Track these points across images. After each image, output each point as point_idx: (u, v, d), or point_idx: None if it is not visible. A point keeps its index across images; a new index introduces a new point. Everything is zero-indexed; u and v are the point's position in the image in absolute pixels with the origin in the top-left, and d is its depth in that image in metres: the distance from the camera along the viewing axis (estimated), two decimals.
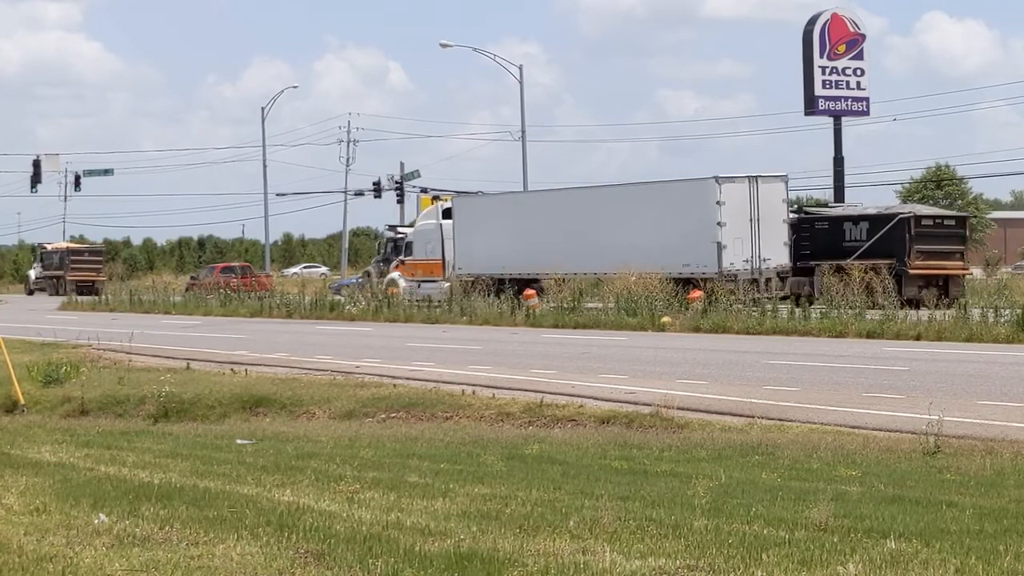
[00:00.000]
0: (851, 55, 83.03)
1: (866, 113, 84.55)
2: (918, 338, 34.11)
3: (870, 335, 35.20)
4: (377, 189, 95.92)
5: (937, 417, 14.55)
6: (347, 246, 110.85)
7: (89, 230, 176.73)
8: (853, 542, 8.67)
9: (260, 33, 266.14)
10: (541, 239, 51.15)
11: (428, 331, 42.50)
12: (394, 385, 24.39)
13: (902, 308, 38.26)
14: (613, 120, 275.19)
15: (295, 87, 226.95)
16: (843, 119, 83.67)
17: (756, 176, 47.46)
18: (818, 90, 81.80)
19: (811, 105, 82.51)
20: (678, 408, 18.86)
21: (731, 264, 45.40)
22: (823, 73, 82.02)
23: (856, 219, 48.24)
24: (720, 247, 45.37)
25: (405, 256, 59.04)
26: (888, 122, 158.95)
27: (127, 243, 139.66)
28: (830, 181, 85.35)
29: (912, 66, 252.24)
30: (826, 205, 70.19)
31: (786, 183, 48.39)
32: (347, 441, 16.68)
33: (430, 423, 20.63)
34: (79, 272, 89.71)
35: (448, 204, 57.77)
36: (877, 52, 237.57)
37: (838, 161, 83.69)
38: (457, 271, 54.49)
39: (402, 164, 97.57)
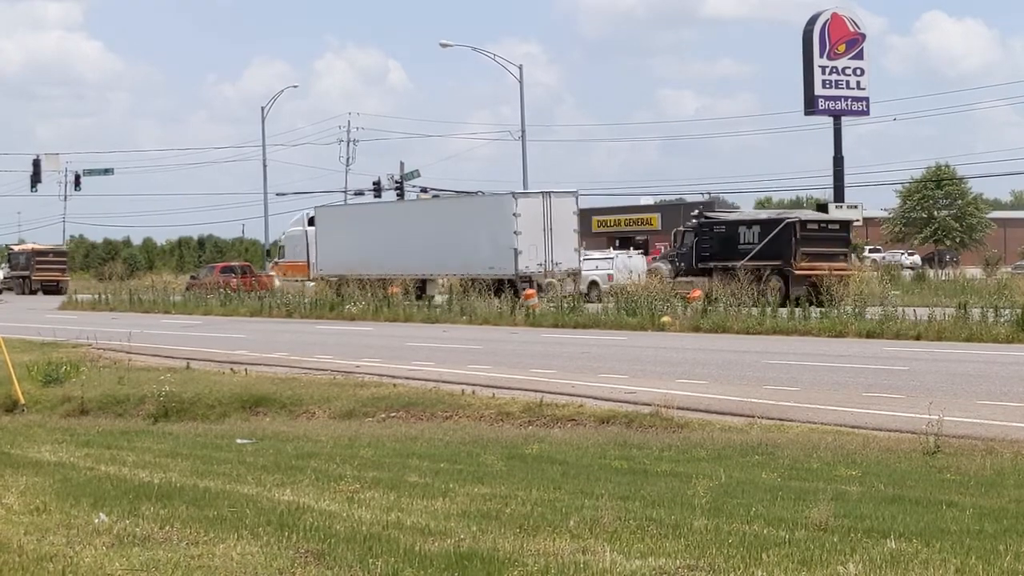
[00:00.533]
0: (851, 55, 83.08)
1: (866, 113, 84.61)
2: (918, 338, 34.11)
3: (870, 335, 35.20)
4: (377, 189, 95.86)
5: (937, 417, 14.55)
6: None
7: (89, 230, 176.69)
8: (853, 542, 8.67)
9: (260, 33, 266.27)
10: (381, 245, 58.09)
11: (428, 331, 42.49)
12: (394, 385, 24.39)
13: (783, 306, 41.00)
14: (613, 120, 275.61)
15: (295, 87, 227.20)
16: (843, 119, 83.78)
17: (549, 192, 54.02)
18: (818, 90, 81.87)
19: (811, 105, 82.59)
20: (678, 408, 18.86)
21: (526, 267, 51.91)
22: (823, 73, 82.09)
23: (749, 223, 52.25)
24: (516, 252, 51.62)
25: (279, 259, 69.08)
26: (888, 122, 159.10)
27: (127, 243, 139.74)
28: (830, 181, 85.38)
29: (912, 66, 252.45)
30: (735, 207, 75.99)
31: (576, 198, 54.94)
32: (347, 441, 16.68)
33: (430, 423, 20.63)
34: (44, 272, 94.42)
35: (312, 213, 65.83)
36: (877, 52, 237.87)
37: (838, 161, 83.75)
38: (319, 272, 62.20)
39: (402, 164, 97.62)
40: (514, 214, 52.12)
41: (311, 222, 65.25)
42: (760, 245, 50.18)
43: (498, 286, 49.65)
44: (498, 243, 52.51)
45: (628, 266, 58.44)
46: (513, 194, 53.84)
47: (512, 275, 51.44)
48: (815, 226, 51.29)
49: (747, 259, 49.16)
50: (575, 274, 53.39)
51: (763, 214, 55.35)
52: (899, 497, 10.81)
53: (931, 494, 10.98)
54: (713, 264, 50.99)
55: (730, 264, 48.56)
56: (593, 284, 57.74)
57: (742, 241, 51.06)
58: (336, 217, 64.50)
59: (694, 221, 54.41)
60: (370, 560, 8.21)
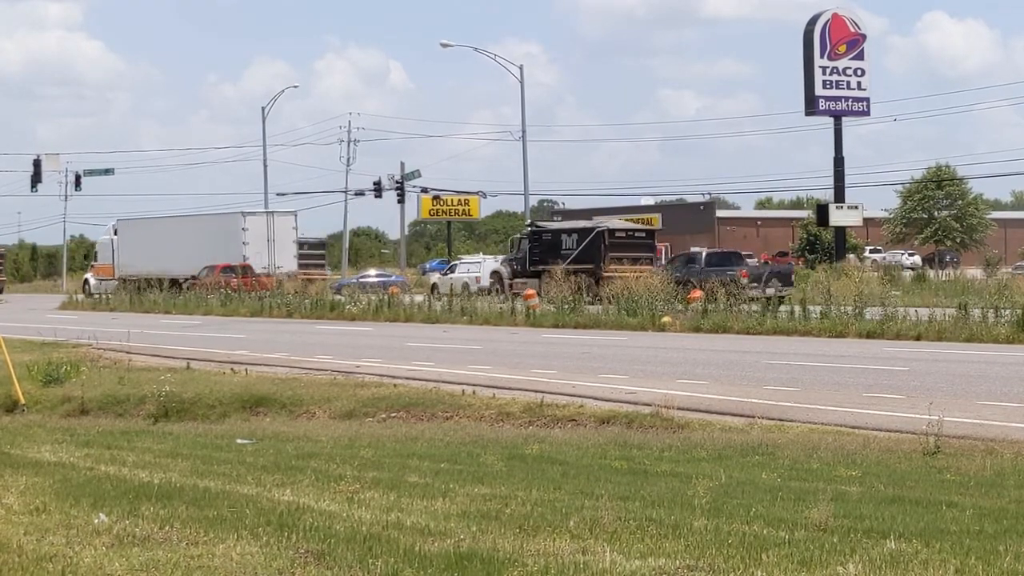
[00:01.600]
0: (851, 55, 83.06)
1: (866, 113, 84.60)
2: (918, 338, 34.11)
3: (870, 335, 35.20)
4: (378, 189, 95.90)
5: (937, 417, 14.55)
6: (348, 246, 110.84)
7: (89, 229, 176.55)
8: (853, 542, 8.67)
9: (261, 33, 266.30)
10: (159, 250, 72.60)
11: (428, 331, 42.49)
12: (394, 385, 24.38)
13: (591, 304, 46.46)
14: (614, 120, 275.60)
15: (295, 87, 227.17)
16: (844, 119, 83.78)
17: (272, 212, 73.15)
18: (819, 90, 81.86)
19: (811, 105, 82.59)
20: (678, 408, 18.85)
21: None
22: (824, 73, 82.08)
23: (569, 232, 59.39)
24: (244, 258, 68.16)
25: (94, 261, 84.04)
26: (889, 122, 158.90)
27: None
28: (831, 181, 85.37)
29: (913, 66, 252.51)
30: (566, 213, 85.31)
31: (295, 216, 71.98)
32: (347, 441, 16.68)
33: (430, 423, 20.62)
34: None
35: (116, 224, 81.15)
36: (878, 52, 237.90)
37: (838, 161, 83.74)
38: (120, 273, 76.04)
39: (402, 164, 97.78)
40: (243, 228, 68.80)
41: (116, 231, 79.99)
42: (577, 251, 57.02)
43: None
44: (232, 251, 68.45)
45: (497, 270, 65.98)
46: (243, 213, 70.79)
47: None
48: (623, 234, 58.52)
49: (567, 263, 55.01)
50: (293, 275, 66.51)
51: (580, 224, 63.18)
52: (899, 497, 10.81)
53: (931, 494, 10.97)
54: (542, 267, 56.81)
55: (554, 267, 53.08)
56: (465, 286, 64.24)
57: (564, 247, 57.83)
58: (132, 228, 78.89)
59: (528, 229, 62.69)
60: (370, 560, 8.21)
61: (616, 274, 51.36)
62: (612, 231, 57.77)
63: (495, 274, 65.47)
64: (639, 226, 65.53)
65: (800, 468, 13.12)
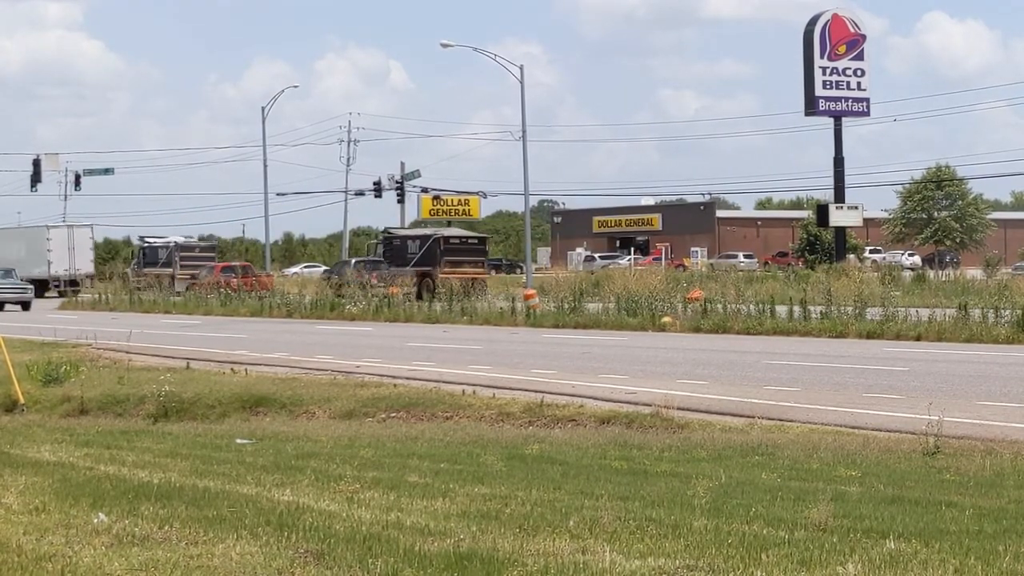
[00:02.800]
0: (851, 55, 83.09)
1: (866, 113, 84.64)
2: (918, 338, 34.11)
3: (870, 335, 35.20)
4: (378, 189, 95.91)
5: (937, 417, 14.54)
6: (348, 246, 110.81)
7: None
8: (852, 542, 8.66)
9: (261, 33, 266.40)
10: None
11: (428, 331, 42.50)
12: (394, 385, 24.38)
13: (419, 297, 56.50)
14: (614, 120, 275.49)
15: (295, 87, 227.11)
16: (843, 119, 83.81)
17: (72, 224, 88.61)
18: (818, 90, 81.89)
19: (811, 105, 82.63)
20: (678, 408, 18.84)
21: (55, 272, 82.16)
22: (823, 74, 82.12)
23: (414, 238, 68.16)
24: (49, 263, 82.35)
25: None
26: (889, 122, 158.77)
27: (127, 242, 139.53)
28: (831, 181, 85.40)
29: (913, 66, 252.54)
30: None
31: (92, 228, 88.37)
32: (347, 441, 16.68)
33: (430, 423, 20.61)
34: None
35: None
36: (878, 52, 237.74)
37: (838, 161, 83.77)
38: None
39: (403, 164, 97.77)
40: (47, 239, 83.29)
41: None
42: (419, 255, 65.56)
43: (42, 284, 78.35)
44: (41, 256, 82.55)
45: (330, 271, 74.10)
46: (47, 227, 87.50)
47: (46, 277, 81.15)
48: (457, 241, 66.87)
49: (411, 265, 64.48)
50: (91, 276, 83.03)
51: (422, 232, 71.69)
52: (899, 497, 10.80)
53: (930, 494, 10.97)
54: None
55: (402, 270, 62.76)
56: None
57: (409, 252, 66.53)
58: None
59: (383, 235, 73.15)
60: (369, 560, 8.21)
61: (451, 276, 59.96)
62: (447, 238, 66.46)
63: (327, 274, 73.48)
64: (472, 234, 72.49)
65: (800, 468, 13.11)
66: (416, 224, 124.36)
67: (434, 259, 64.40)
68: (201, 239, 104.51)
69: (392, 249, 68.15)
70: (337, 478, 12.05)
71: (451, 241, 66.10)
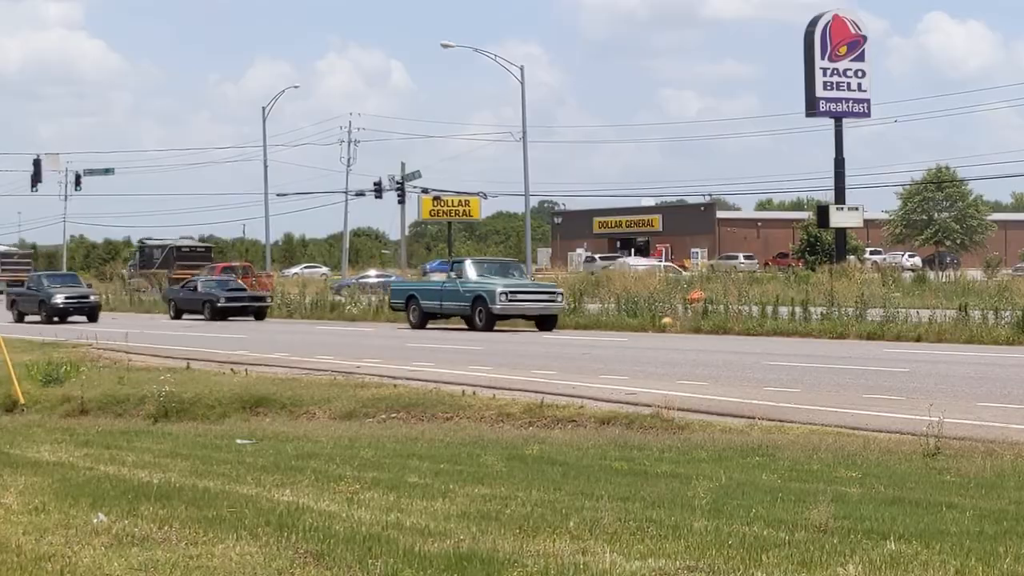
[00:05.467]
0: (852, 56, 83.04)
1: (867, 114, 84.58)
2: (918, 339, 34.13)
3: (870, 336, 35.23)
4: (378, 189, 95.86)
5: (937, 419, 14.52)
6: (348, 246, 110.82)
7: (89, 230, 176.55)
8: (853, 543, 8.65)
9: (262, 33, 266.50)
10: None
11: (427, 332, 42.49)
12: (394, 385, 24.36)
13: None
14: (615, 121, 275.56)
15: (296, 87, 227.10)
16: (844, 120, 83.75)
17: None
18: (819, 91, 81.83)
19: (812, 106, 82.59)
20: (678, 409, 18.82)
21: None
22: (824, 74, 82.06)
23: (158, 247, 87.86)
24: None
25: None
26: (889, 123, 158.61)
27: (127, 243, 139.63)
28: (831, 182, 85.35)
29: (914, 67, 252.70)
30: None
31: None
32: (347, 441, 16.66)
33: (430, 423, 20.59)
34: None
35: None
36: (879, 53, 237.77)
37: (839, 162, 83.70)
38: None
39: (403, 164, 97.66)
40: None
41: None
42: (160, 259, 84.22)
43: None
44: None
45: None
46: None
47: None
48: (187, 249, 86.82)
49: (155, 268, 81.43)
50: None
51: (163, 241, 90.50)
52: (899, 499, 10.78)
53: (931, 496, 10.95)
54: (144, 271, 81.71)
55: (152, 272, 79.61)
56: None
57: (154, 258, 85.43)
58: None
59: (138, 245, 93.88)
60: (369, 561, 8.20)
61: (181, 276, 70.26)
62: (179, 248, 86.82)
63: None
64: (199, 244, 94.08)
65: (800, 469, 13.10)
66: (415, 225, 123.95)
67: (169, 264, 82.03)
68: (201, 240, 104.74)
69: (144, 256, 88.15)
70: (337, 479, 12.04)
71: (182, 250, 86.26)
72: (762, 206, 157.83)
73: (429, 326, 44.18)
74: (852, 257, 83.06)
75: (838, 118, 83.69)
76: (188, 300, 55.57)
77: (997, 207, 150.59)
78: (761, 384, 22.81)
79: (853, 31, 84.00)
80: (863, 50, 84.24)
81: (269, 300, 56.98)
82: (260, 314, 53.92)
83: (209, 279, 59.90)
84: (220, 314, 52.79)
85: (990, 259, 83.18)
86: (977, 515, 9.90)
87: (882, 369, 25.72)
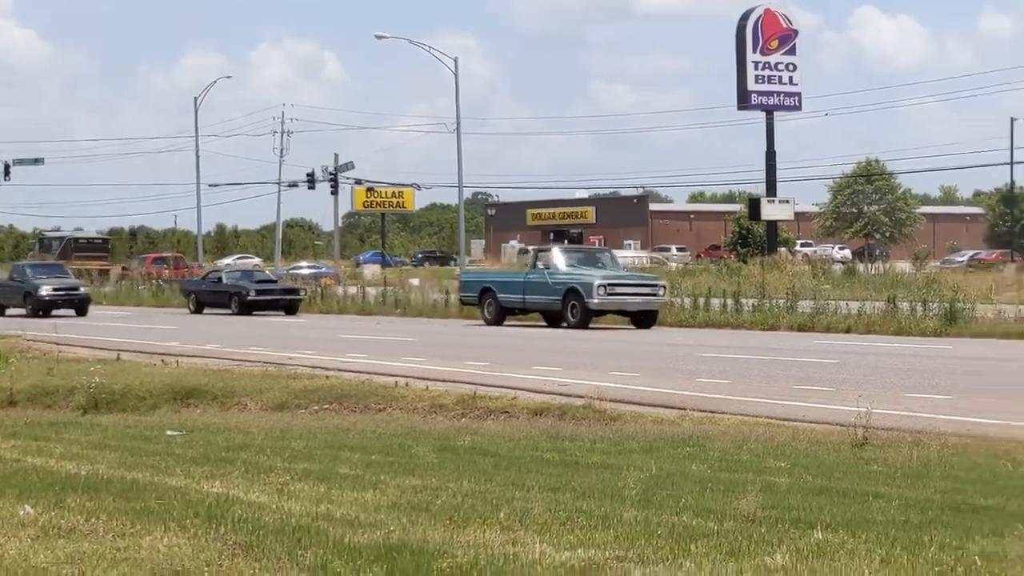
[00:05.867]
0: (784, 50, 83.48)
1: (798, 108, 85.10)
2: (848, 331, 34.43)
3: (801, 328, 35.53)
4: (311, 180, 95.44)
5: (866, 409, 14.64)
6: (280, 237, 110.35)
7: (19, 219, 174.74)
8: (780, 532, 8.71)
9: (195, 23, 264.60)
10: None
11: (362, 323, 42.42)
12: (327, 376, 24.29)
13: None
14: (549, 113, 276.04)
15: (228, 77, 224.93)
16: (775, 114, 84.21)
17: None
18: (751, 85, 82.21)
19: (744, 100, 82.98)
20: (611, 400, 18.87)
21: None
22: (756, 68, 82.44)
23: (59, 239, 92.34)
24: None
25: None
26: (820, 117, 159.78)
27: (36, 233, 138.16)
28: (763, 175, 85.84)
29: (845, 61, 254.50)
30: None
31: None
32: (278, 432, 16.60)
33: (363, 415, 20.54)
34: None
35: None
36: (810, 48, 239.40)
37: (770, 155, 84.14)
38: None
39: (336, 155, 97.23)
40: None
41: None
42: (59, 251, 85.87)
43: None
44: None
45: None
46: None
47: None
48: (84, 241, 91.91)
49: (56, 259, 78.11)
50: None
51: (63, 235, 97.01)
52: (827, 488, 10.87)
53: (858, 485, 11.05)
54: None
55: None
56: None
57: (53, 249, 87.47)
58: None
59: (38, 238, 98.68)
60: (299, 552, 8.17)
61: (81, 266, 73.96)
62: (77, 239, 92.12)
63: None
64: (97, 236, 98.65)
65: (730, 459, 13.17)
66: (348, 216, 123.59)
67: (67, 255, 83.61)
68: (132, 231, 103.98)
69: (43, 247, 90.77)
70: (267, 470, 12.00)
71: (79, 242, 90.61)
72: (694, 199, 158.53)
73: (507, 322, 40.39)
74: (783, 249, 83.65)
75: (769, 111, 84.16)
76: (212, 293, 51.71)
77: (926, 200, 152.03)
78: (693, 375, 22.93)
79: (785, 25, 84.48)
80: (794, 44, 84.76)
81: (303, 293, 52.44)
82: (292, 308, 49.95)
83: (234, 271, 57.01)
84: (248, 308, 49.13)
85: (919, 252, 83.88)
86: (903, 504, 9.99)
87: (812, 360, 25.92)
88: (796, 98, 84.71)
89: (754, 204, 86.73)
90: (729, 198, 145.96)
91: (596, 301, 36.90)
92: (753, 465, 12.67)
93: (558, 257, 39.71)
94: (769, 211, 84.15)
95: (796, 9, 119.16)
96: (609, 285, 37.31)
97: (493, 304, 40.33)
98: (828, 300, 38.80)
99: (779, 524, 9.01)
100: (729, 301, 39.81)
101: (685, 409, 18.24)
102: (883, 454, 13.39)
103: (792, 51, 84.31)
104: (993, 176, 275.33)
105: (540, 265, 39.37)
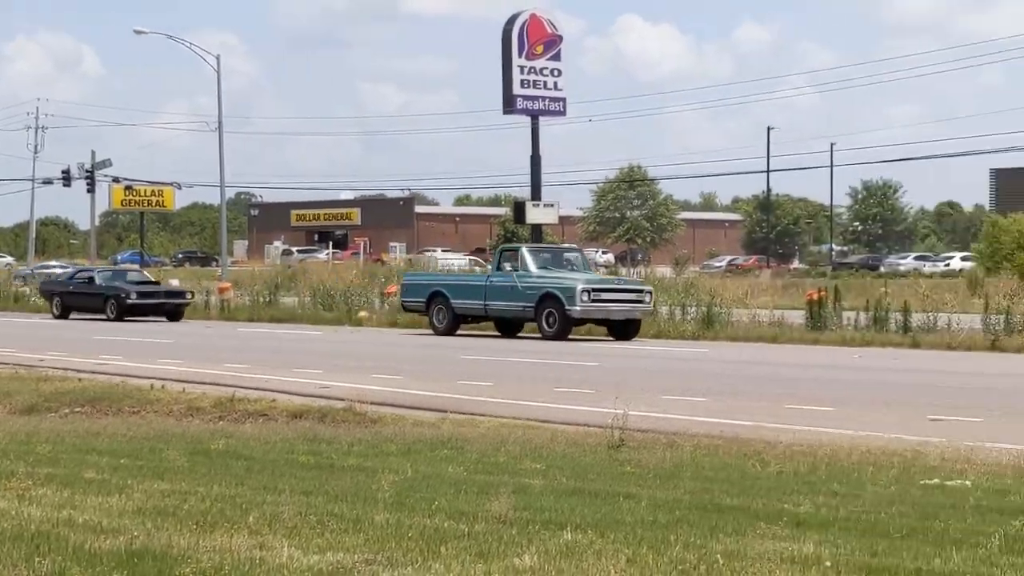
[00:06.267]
0: (549, 55, 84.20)
1: (563, 113, 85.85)
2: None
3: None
4: (67, 177, 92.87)
5: (622, 411, 14.81)
6: (34, 236, 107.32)
7: None
8: (531, 534, 8.73)
9: None
10: None
11: (117, 324, 41.44)
12: (79, 379, 23.65)
13: None
14: (314, 113, 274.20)
15: None
16: (541, 118, 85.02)
17: None
18: (516, 89, 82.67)
19: (509, 104, 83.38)
20: (372, 403, 18.77)
21: None
22: (522, 72, 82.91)
23: None
24: None
25: None
26: (585, 123, 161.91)
27: None
28: (529, 179, 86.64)
29: (610, 68, 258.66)
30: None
31: None
32: (24, 436, 16.02)
33: (115, 418, 20.00)
34: None
35: None
36: (575, 53, 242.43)
37: (535, 160, 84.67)
38: None
39: (93, 152, 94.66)
40: None
41: None
42: None
43: None
44: None
45: None
46: None
47: None
48: None
49: None
50: None
51: None
52: (579, 490, 10.95)
53: (611, 486, 11.15)
54: None
55: None
56: None
57: None
58: None
59: None
60: (36, 559, 7.88)
61: None
62: None
63: None
64: None
65: (487, 462, 13.18)
66: (106, 215, 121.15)
67: None
68: None
69: None
70: (8, 475, 11.56)
71: None
72: (460, 201, 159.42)
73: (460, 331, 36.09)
74: None
75: (535, 116, 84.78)
76: (82, 296, 46.14)
77: (686, 206, 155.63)
78: (456, 378, 22.97)
79: (550, 30, 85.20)
80: (559, 49, 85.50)
81: (189, 297, 46.10)
82: (176, 314, 44.33)
83: (106, 270, 51.87)
84: (128, 313, 43.86)
85: (679, 256, 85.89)
86: (652, 505, 10.11)
87: (574, 363, 26.21)
88: (561, 103, 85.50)
89: (519, 208, 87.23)
90: (495, 201, 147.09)
91: (579, 309, 33.12)
92: (509, 467, 12.70)
93: (529, 258, 35.16)
94: (534, 215, 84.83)
95: (561, 14, 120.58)
96: (594, 291, 33.65)
97: (445, 311, 35.66)
98: None
99: (530, 525, 9.03)
100: None
101: (446, 412, 18.24)
102: (638, 455, 13.55)
103: (557, 56, 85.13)
104: (751, 183, 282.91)
105: (507, 266, 35.18)
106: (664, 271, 71.02)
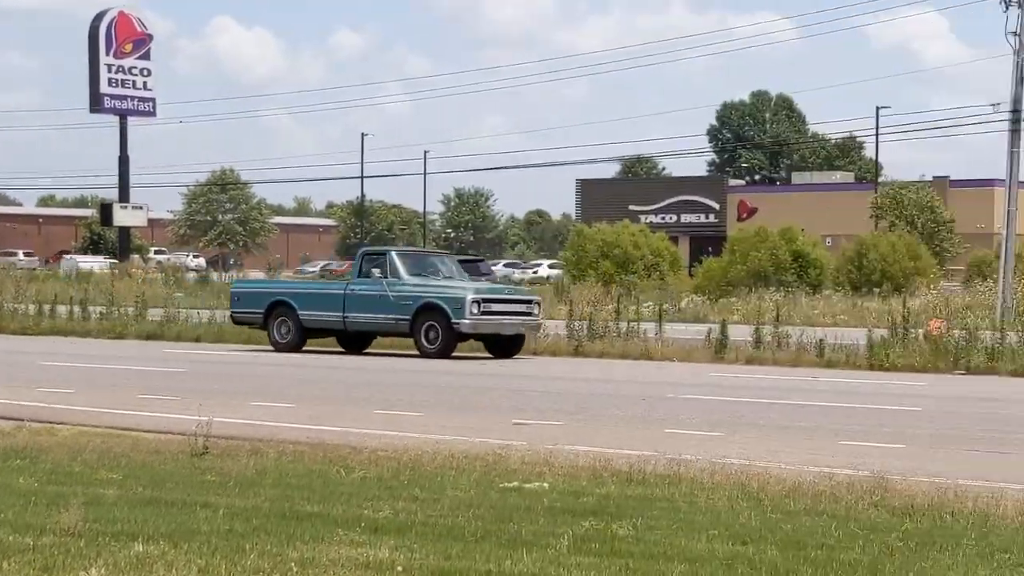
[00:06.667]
0: (138, 55, 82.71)
1: (152, 114, 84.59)
2: (198, 339, 34.51)
3: (150, 336, 35.28)
4: None
5: (207, 418, 14.60)
6: None
7: None
8: (100, 546, 8.50)
9: None
10: None
11: None
12: None
13: None
14: None
15: None
16: (130, 118, 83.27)
17: None
18: (104, 88, 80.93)
19: (97, 103, 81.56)
20: None
21: None
22: (110, 71, 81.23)
23: None
24: None
25: None
26: (177, 124, 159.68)
27: None
28: (117, 180, 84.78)
29: (204, 69, 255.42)
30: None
31: None
32: None
33: None
34: None
35: None
36: (166, 53, 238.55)
37: (123, 160, 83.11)
38: None
39: None
40: None
41: None
42: None
43: None
44: None
45: None
46: None
47: None
48: None
49: None
50: None
51: None
52: (156, 499, 10.71)
53: (189, 495, 10.95)
54: None
55: None
56: None
57: None
58: None
59: None
60: None
61: None
62: None
63: None
64: None
65: (61, 472, 12.73)
66: None
67: None
68: None
69: None
70: None
71: None
72: (44, 202, 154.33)
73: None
74: (136, 256, 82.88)
75: (123, 116, 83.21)
76: None
77: (280, 211, 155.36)
78: (35, 384, 22.18)
79: (139, 29, 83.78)
80: (149, 49, 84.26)
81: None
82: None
83: None
84: None
85: (272, 261, 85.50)
86: (230, 513, 9.98)
87: (161, 369, 25.77)
88: (151, 103, 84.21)
89: (106, 209, 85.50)
90: (82, 202, 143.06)
91: (468, 322, 28.95)
92: (84, 477, 12.31)
93: (399, 263, 30.56)
94: (122, 217, 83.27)
95: (151, 14, 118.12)
96: (484, 301, 29.66)
97: (290, 324, 31.14)
98: (179, 308, 38.75)
99: (100, 537, 8.78)
100: (76, 308, 38.92)
101: (22, 420, 17.54)
102: (221, 463, 13.36)
103: (147, 56, 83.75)
104: (346, 189, 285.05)
105: (375, 272, 30.27)
106: (258, 274, 70.64)
